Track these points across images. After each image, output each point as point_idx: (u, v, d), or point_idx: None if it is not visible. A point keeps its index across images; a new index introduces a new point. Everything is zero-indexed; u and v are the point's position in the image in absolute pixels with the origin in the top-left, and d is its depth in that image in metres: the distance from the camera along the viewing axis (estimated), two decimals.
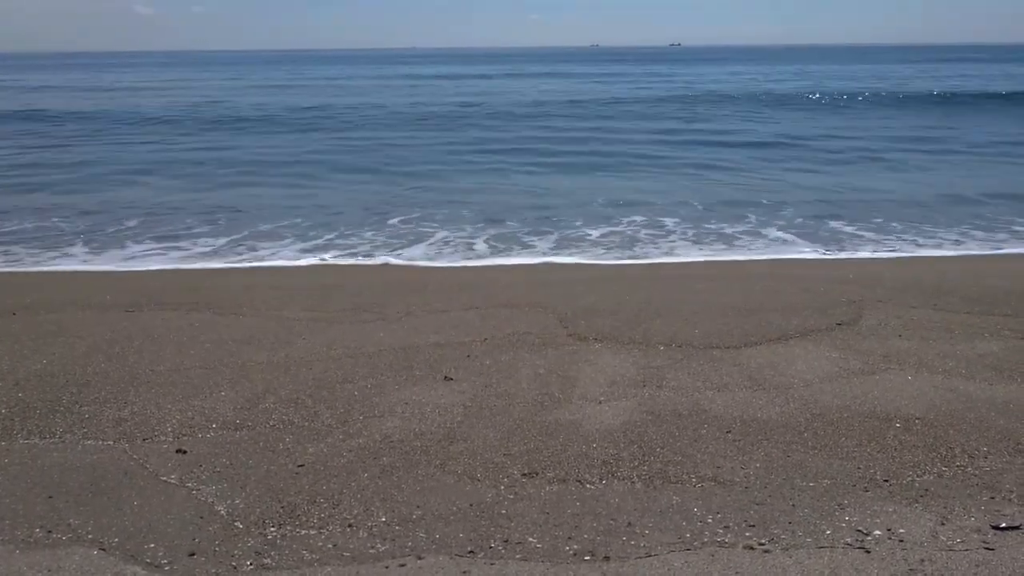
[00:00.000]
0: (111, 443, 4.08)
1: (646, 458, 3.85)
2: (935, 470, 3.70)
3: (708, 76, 56.04)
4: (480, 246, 9.91)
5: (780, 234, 10.45)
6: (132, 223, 11.34)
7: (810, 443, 3.99)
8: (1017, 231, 10.60)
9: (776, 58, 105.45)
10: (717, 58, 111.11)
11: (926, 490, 3.51)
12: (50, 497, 3.53)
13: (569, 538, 3.17)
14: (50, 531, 3.26)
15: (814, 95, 34.22)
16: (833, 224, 11.00)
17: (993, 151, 19.05)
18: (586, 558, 3.04)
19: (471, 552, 3.09)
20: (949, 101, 32.13)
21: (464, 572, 2.96)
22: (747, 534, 3.17)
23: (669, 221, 11.25)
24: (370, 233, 10.62)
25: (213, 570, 3.00)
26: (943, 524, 3.22)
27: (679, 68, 72.70)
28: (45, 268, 8.85)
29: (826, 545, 3.08)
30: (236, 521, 3.33)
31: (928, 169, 16.55)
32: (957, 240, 10.09)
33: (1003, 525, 3.19)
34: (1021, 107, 29.76)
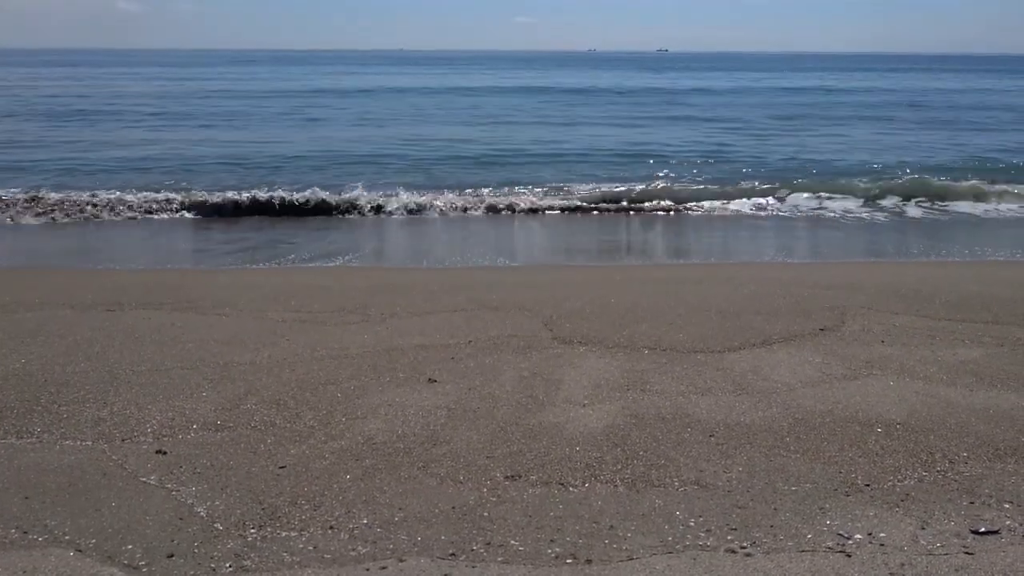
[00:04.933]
0: (90, 443, 4.03)
1: (629, 461, 3.85)
2: (916, 475, 3.72)
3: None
4: None
5: None
6: None
7: (792, 447, 4.00)
8: None
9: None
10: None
11: (907, 495, 3.53)
12: (26, 498, 3.48)
13: (551, 541, 3.16)
14: (26, 532, 3.21)
15: None
16: None
17: None
18: (568, 561, 3.03)
19: (453, 555, 3.08)
20: None
21: (445, 575, 2.94)
22: (729, 538, 3.18)
23: None
24: None
25: (192, 572, 2.96)
26: (923, 528, 3.24)
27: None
28: None
29: (807, 549, 3.09)
30: (216, 523, 3.30)
31: None
32: None
33: (982, 530, 3.22)
34: None
